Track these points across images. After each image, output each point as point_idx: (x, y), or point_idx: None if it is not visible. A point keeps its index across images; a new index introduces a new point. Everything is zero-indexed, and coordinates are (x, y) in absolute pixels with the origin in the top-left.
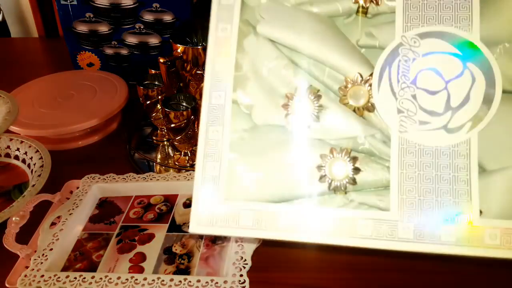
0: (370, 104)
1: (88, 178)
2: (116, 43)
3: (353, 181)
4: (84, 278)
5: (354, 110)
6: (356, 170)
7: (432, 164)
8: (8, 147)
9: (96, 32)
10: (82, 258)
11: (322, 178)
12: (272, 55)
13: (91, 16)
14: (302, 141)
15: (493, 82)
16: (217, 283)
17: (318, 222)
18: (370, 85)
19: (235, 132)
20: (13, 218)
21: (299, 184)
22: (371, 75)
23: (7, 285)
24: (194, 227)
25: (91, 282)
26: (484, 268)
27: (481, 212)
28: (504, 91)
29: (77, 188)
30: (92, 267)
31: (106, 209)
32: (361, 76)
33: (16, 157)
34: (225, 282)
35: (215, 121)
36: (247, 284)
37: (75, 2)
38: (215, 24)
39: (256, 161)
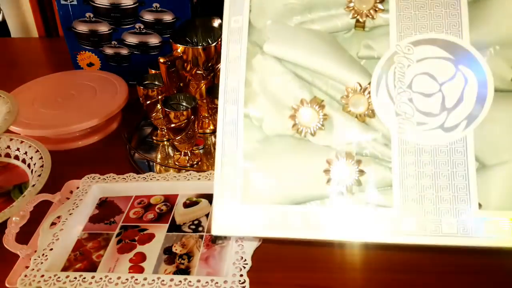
0: (370, 111)
1: (88, 178)
2: (116, 43)
3: (358, 182)
4: (84, 278)
5: (356, 117)
6: (361, 172)
7: (431, 161)
8: (8, 147)
9: (96, 32)
10: (82, 258)
11: (329, 181)
12: (278, 71)
13: (91, 16)
14: (309, 148)
15: (485, 83)
16: (217, 283)
17: (327, 220)
18: (369, 92)
19: (248, 143)
20: (13, 218)
21: (308, 187)
22: (369, 83)
23: (7, 285)
24: (217, 229)
25: (91, 282)
26: (484, 269)
27: (480, 205)
28: (496, 90)
29: (77, 188)
30: (92, 267)
31: (106, 209)
32: (360, 85)
33: (16, 157)
34: (225, 282)
35: (230, 134)
36: (247, 284)
37: (75, 2)
38: (226, 45)
39: (268, 168)
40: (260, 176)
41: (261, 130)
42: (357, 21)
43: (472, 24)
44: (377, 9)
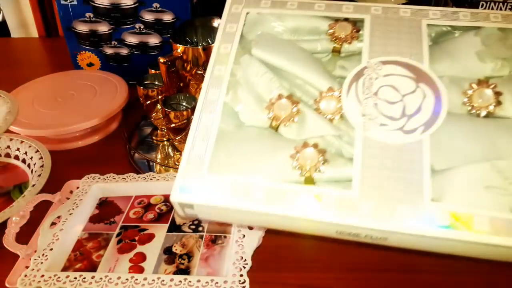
0: (339, 114)
1: (88, 178)
2: (116, 43)
3: (322, 171)
4: (84, 278)
5: (326, 118)
6: (325, 161)
7: (390, 156)
8: (8, 147)
9: (96, 32)
10: (82, 258)
11: (294, 167)
12: (261, 71)
13: (91, 16)
14: (280, 140)
15: (440, 99)
16: (217, 283)
17: (290, 196)
18: (340, 96)
19: (224, 123)
20: (13, 218)
21: (274, 170)
22: (340, 89)
23: (7, 285)
24: (175, 195)
25: (91, 282)
26: (483, 269)
27: (433, 200)
28: (448, 112)
29: (77, 188)
30: (92, 267)
31: (106, 209)
32: (333, 89)
33: (16, 157)
34: (225, 282)
35: (209, 112)
36: (247, 284)
37: (75, 2)
38: (219, 43)
39: (238, 148)
40: (229, 154)
41: (237, 117)
42: (334, 46)
43: (431, 57)
44: (353, 36)
